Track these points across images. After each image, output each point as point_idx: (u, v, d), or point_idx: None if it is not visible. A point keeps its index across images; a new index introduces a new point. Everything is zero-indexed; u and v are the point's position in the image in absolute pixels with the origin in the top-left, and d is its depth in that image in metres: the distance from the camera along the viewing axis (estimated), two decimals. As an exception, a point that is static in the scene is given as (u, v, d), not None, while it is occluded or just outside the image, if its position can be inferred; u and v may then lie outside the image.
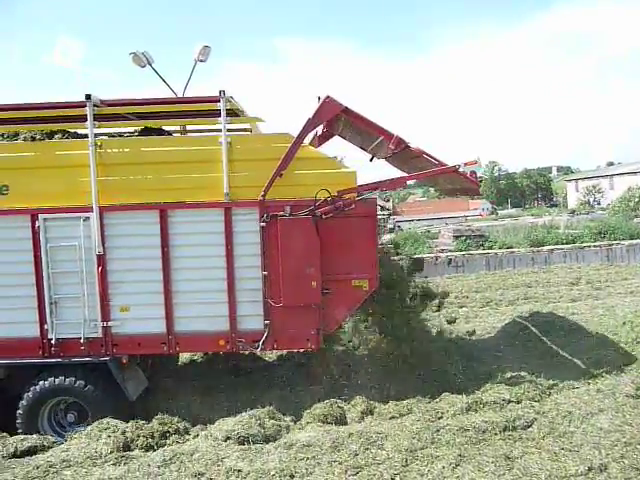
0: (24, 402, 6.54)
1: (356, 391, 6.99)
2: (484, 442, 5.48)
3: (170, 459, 5.47)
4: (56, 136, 6.81)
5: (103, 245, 6.54)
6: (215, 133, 6.92)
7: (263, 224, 6.48)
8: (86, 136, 6.56)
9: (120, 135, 7.27)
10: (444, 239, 23.52)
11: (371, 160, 7.85)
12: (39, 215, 6.52)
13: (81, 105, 6.43)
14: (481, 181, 7.01)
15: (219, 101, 6.42)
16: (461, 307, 13.41)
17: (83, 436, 6.06)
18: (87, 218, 6.50)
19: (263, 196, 6.46)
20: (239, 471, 5.20)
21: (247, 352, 7.10)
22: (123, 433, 5.99)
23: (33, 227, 6.52)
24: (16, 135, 6.87)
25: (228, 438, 5.83)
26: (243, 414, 6.28)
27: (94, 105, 6.44)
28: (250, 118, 7.07)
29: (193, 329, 6.68)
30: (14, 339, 6.66)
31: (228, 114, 6.61)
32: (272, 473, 5.10)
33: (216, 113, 6.50)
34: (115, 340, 6.68)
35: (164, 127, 7.38)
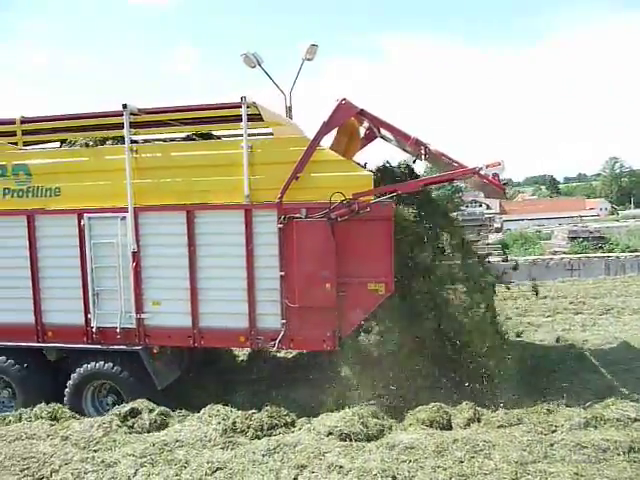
0: (71, 382, 7.18)
1: (465, 397, 6.72)
2: (605, 462, 5.05)
3: (274, 449, 5.61)
4: (108, 142, 7.32)
5: (137, 243, 7.00)
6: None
7: (280, 226, 6.59)
8: (136, 142, 7.17)
9: (172, 140, 7.73)
10: (558, 240, 22.12)
11: (414, 162, 7.61)
12: (84, 214, 7.11)
13: (119, 114, 6.88)
14: (505, 184, 6.65)
15: (241, 107, 6.60)
16: (577, 314, 12.50)
17: (195, 419, 6.41)
18: (124, 218, 6.99)
19: (280, 198, 6.57)
20: (340, 467, 5.21)
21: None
22: (233, 423, 6.23)
23: (79, 225, 7.13)
24: (74, 142, 7.48)
25: (330, 433, 5.87)
26: (347, 410, 6.28)
27: (131, 113, 6.89)
28: (270, 122, 7.11)
29: (216, 325, 6.97)
30: (64, 326, 7.33)
31: (252, 119, 6.78)
32: (374, 472, 5.04)
33: (239, 118, 6.69)
34: (147, 331, 7.12)
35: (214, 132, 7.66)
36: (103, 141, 7.30)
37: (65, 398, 7.20)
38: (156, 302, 7.08)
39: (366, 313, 6.71)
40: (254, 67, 15.23)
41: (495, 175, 6.48)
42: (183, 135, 7.69)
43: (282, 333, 6.74)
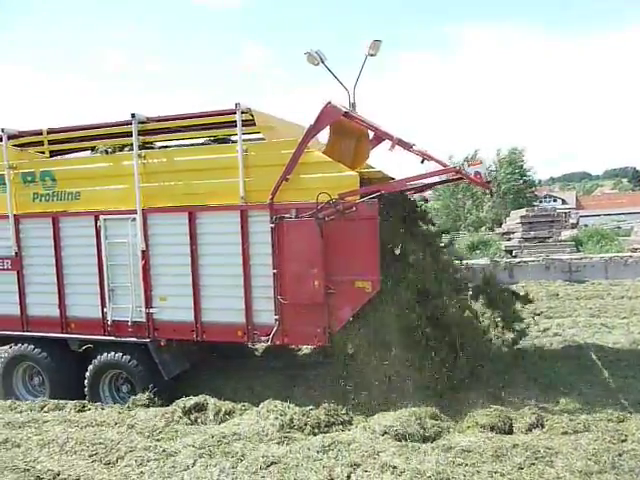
0: (91, 369, 7.78)
1: (524, 401, 6.47)
2: (680, 476, 4.70)
3: (328, 446, 5.60)
4: (126, 149, 7.78)
5: (146, 242, 7.54)
6: None
7: (272, 225, 6.91)
8: (152, 148, 7.78)
9: (190, 146, 8.13)
10: (638, 237, 20.77)
11: (422, 162, 7.38)
12: (100, 216, 7.72)
13: (129, 123, 7.44)
14: (489, 182, 6.77)
15: (235, 113, 6.95)
16: (656, 315, 11.69)
17: (254, 414, 6.55)
18: (134, 219, 7.53)
19: (271, 199, 6.88)
20: (394, 467, 5.13)
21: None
22: (291, 419, 6.33)
23: (96, 226, 7.75)
24: (96, 150, 8.04)
25: (386, 433, 5.81)
26: (403, 410, 6.23)
27: (140, 122, 7.45)
28: (261, 127, 7.32)
29: (216, 320, 7.42)
30: (85, 319, 7.99)
31: (247, 124, 7.11)
32: (428, 474, 4.93)
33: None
34: (156, 325, 7.65)
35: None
36: (122, 148, 7.87)
37: (85, 385, 7.80)
38: (163, 298, 7.62)
39: (354, 310, 6.91)
40: (317, 65, 15.27)
41: (477, 173, 6.56)
42: (201, 140, 8.14)
43: (275, 328, 7.07)
